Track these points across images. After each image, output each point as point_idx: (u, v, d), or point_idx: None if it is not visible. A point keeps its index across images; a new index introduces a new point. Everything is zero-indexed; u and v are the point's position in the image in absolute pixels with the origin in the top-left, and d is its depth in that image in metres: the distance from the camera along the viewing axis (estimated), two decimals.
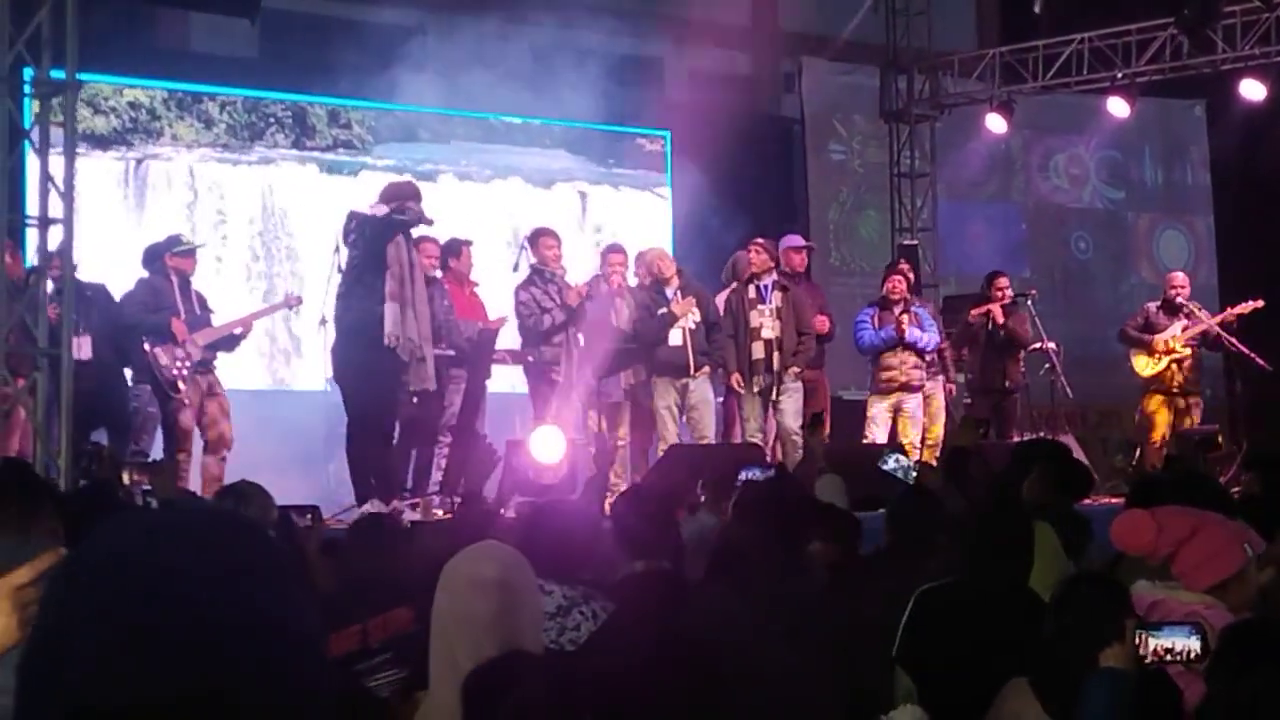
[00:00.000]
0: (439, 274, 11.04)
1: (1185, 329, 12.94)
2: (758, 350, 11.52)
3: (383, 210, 9.68)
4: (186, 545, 1.21)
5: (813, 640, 4.15)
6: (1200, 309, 13.17)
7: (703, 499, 8.41)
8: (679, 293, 11.46)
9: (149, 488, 7.59)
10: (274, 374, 13.01)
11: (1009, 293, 13.23)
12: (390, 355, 9.49)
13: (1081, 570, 4.88)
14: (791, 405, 11.58)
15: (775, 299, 11.62)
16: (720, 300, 11.89)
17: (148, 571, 1.19)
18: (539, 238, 11.49)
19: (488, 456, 7.05)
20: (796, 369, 11.62)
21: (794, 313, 11.65)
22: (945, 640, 4.19)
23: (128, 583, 1.18)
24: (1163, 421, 12.98)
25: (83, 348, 10.36)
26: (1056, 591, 4.09)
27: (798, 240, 13.03)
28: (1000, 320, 13.01)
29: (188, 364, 10.26)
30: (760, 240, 11.92)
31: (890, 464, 8.49)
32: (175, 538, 1.22)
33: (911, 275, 13.05)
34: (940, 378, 12.88)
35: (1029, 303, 13.31)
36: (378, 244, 9.58)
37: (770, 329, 11.53)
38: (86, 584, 1.20)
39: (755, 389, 11.53)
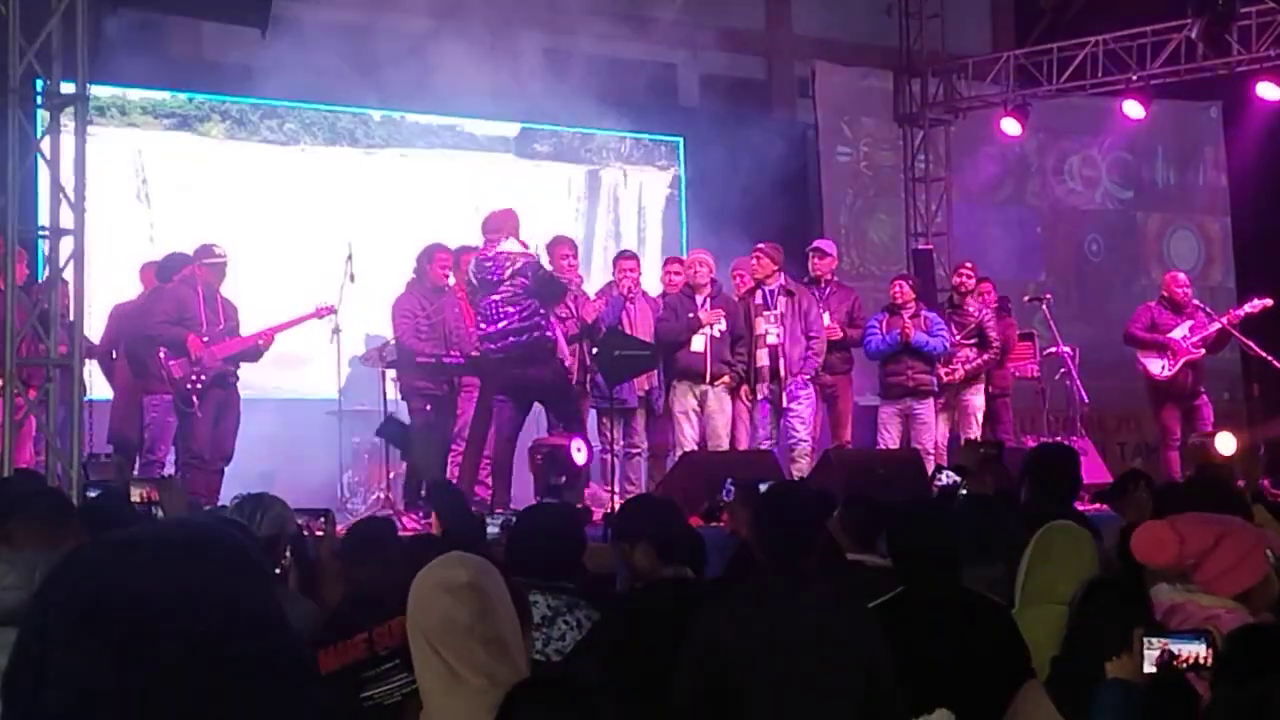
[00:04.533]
0: (450, 282, 11.03)
1: (1194, 328, 12.84)
2: (762, 357, 11.41)
3: (521, 249, 10.41)
4: (150, 565, 1.28)
5: (830, 647, 4.11)
6: (1207, 308, 13.07)
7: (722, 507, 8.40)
8: (709, 301, 11.45)
9: (158, 501, 7.53)
10: (287, 382, 12.93)
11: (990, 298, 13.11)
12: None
13: (1101, 576, 4.83)
14: (802, 413, 11.48)
15: (780, 304, 11.50)
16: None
17: (111, 594, 1.26)
18: (554, 247, 11.46)
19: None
20: (806, 376, 11.49)
21: (801, 319, 11.53)
22: (900, 651, 4.17)
23: (93, 607, 1.25)
24: (1178, 427, 12.89)
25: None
26: (1074, 597, 4.06)
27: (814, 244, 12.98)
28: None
29: (203, 378, 10.22)
30: (762, 246, 11.78)
31: (942, 479, 8.67)
32: (138, 559, 1.29)
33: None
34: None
35: (1044, 307, 13.22)
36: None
37: (774, 335, 11.41)
38: (56, 608, 1.27)
39: (760, 396, 11.44)
